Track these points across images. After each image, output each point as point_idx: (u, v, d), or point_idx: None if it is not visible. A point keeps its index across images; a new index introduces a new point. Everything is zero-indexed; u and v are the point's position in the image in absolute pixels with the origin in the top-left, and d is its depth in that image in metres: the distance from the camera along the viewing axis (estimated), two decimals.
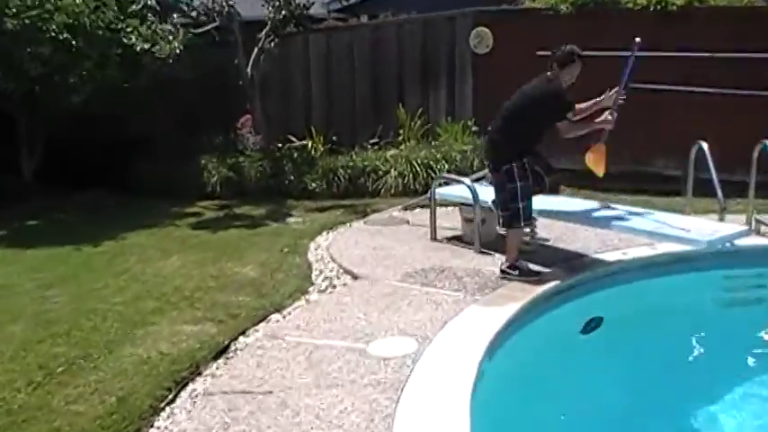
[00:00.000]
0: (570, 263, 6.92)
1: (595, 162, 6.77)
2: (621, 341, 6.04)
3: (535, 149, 6.55)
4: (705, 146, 7.53)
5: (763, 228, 7.68)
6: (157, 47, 9.33)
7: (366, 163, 10.50)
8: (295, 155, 11.20)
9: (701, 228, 6.06)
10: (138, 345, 5.69)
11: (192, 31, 10.44)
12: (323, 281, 6.96)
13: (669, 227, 6.16)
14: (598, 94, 6.74)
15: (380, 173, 10.29)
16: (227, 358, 5.50)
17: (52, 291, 7.04)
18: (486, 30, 10.77)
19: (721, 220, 7.18)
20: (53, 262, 8.10)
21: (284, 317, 6.15)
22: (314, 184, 10.55)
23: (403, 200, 9.69)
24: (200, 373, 5.30)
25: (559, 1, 10.37)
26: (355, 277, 6.91)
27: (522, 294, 6.09)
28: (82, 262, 8.14)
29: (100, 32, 9.31)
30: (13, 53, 9.11)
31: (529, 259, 6.91)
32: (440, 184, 7.93)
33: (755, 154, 7.74)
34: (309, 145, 11.60)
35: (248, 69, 11.43)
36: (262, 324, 6.05)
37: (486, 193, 7.60)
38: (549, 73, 6.53)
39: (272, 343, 5.52)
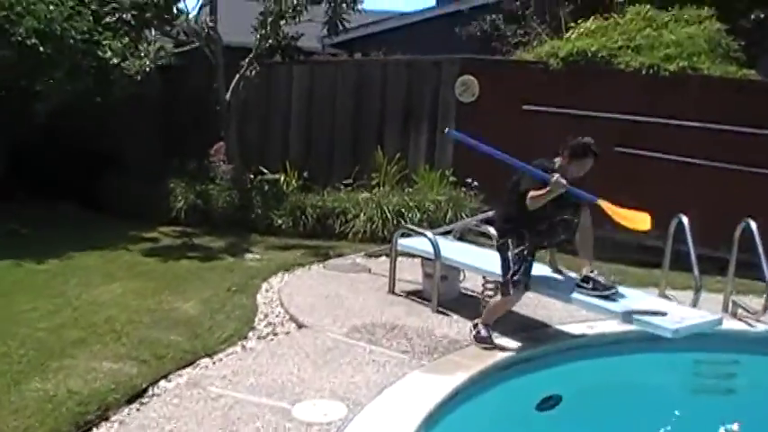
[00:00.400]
0: (532, 332, 6.46)
1: (626, 220, 6.11)
2: (579, 422, 5.57)
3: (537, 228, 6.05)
4: (685, 219, 7.13)
5: (740, 311, 7.24)
6: (127, 62, 8.91)
7: (336, 204, 10.06)
8: (266, 188, 10.75)
9: (670, 312, 5.58)
10: (48, 379, 5.21)
11: (170, 50, 10.05)
12: (265, 326, 6.48)
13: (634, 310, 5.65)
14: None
15: (350, 216, 9.84)
16: (142, 404, 5.02)
17: None
18: (473, 78, 10.40)
19: (696, 300, 6.76)
20: None
21: (214, 363, 5.68)
22: (280, 221, 10.09)
23: (369, 246, 9.24)
24: (107, 418, 4.84)
25: (549, 55, 10.01)
26: (300, 326, 6.43)
27: (474, 363, 5.62)
28: (18, 279, 7.66)
29: (72, 41, 8.88)
30: None
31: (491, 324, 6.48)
32: (402, 235, 7.47)
33: (737, 233, 7.33)
34: (282, 179, 11.16)
35: (227, 96, 11.02)
36: (188, 369, 5.58)
37: (451, 249, 7.18)
38: (556, 159, 6.12)
39: (192, 392, 5.04)
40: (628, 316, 5.52)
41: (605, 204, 5.92)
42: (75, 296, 7.02)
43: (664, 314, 5.44)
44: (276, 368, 5.44)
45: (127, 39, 9.82)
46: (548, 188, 5.70)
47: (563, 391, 5.74)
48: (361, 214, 9.75)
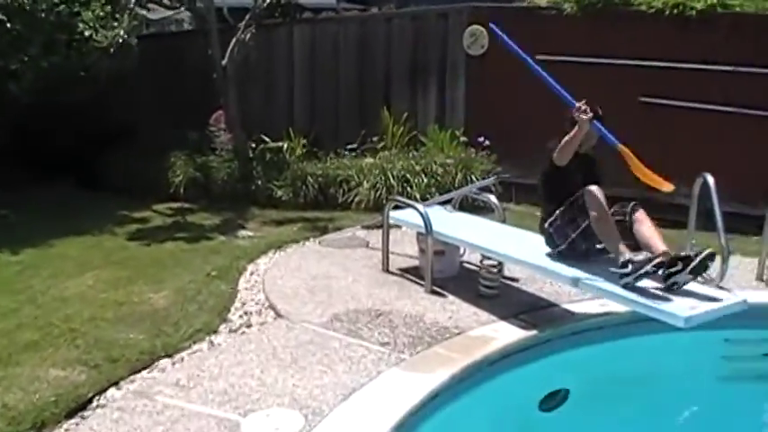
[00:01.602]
0: (536, 313, 5.75)
1: (646, 176, 5.41)
2: (590, 421, 4.88)
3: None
4: (711, 179, 6.29)
5: None
6: (99, 34, 8.26)
7: (339, 171, 9.38)
8: (267, 157, 10.11)
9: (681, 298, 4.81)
10: None
11: (149, 17, 9.40)
12: (240, 317, 5.88)
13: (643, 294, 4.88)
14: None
15: (352, 184, 9.17)
16: (83, 418, 4.47)
17: None
18: (482, 28, 9.57)
19: (723, 272, 5.97)
20: None
21: (173, 364, 5.09)
22: (281, 192, 9.46)
23: (373, 216, 8.57)
24: None
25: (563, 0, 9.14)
26: (278, 315, 5.81)
27: (460, 356, 4.94)
28: None
29: (43, 15, 8.25)
30: None
31: (489, 305, 5.81)
32: (395, 206, 6.78)
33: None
34: (286, 146, 10.51)
35: (223, 62, 10.35)
36: (143, 373, 5.00)
37: (447, 222, 6.48)
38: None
39: (137, 404, 4.46)
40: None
41: (626, 152, 5.30)
42: (42, 291, 6.48)
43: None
44: (237, 369, 4.84)
45: (109, 7, 9.16)
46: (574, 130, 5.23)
47: (570, 385, 5.07)
48: (365, 182, 9.07)
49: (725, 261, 5.98)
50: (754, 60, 8.25)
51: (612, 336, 5.60)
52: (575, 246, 5.40)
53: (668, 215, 8.34)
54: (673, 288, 4.79)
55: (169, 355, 5.19)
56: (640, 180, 5.38)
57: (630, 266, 4.83)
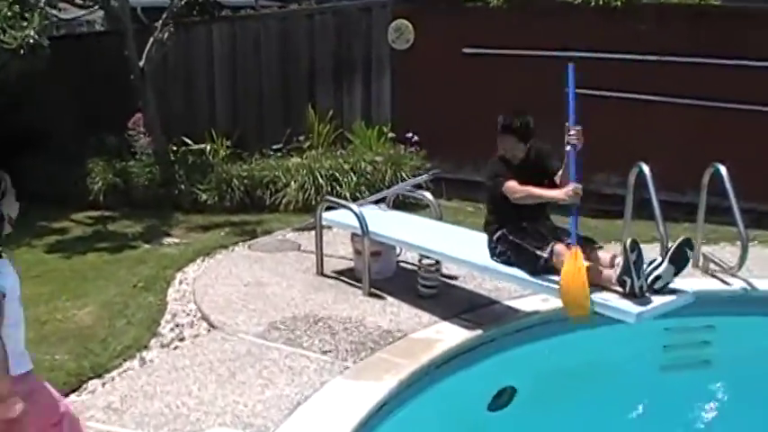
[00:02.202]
0: (478, 312, 5.64)
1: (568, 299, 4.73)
2: (538, 417, 4.78)
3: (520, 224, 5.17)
4: (646, 168, 6.27)
5: (712, 266, 6.48)
6: (8, 35, 7.82)
7: (265, 172, 9.12)
8: (190, 160, 9.78)
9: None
10: None
11: (59, 16, 8.97)
12: (171, 330, 5.60)
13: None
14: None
15: (280, 185, 8.92)
16: None
17: None
18: (407, 23, 9.44)
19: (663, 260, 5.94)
20: None
21: (104, 385, 4.80)
22: (205, 196, 9.15)
23: (302, 217, 8.36)
24: None
25: None
26: (211, 326, 5.56)
27: (406, 361, 4.79)
28: None
29: None
30: None
31: (429, 305, 5.67)
32: (328, 207, 6.59)
33: (706, 179, 6.52)
34: (209, 148, 10.19)
35: (140, 63, 9.95)
36: (72, 396, 4.68)
37: (383, 221, 6.32)
38: None
39: None
40: None
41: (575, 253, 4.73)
42: None
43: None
44: (173, 388, 4.58)
45: (18, 7, 8.68)
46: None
47: (518, 383, 4.97)
48: (292, 182, 8.83)
49: (667, 251, 5.92)
50: (680, 49, 8.30)
51: (557, 331, 5.51)
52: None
53: (599, 205, 8.42)
54: (655, 286, 4.58)
55: (98, 376, 4.90)
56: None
57: (627, 280, 4.48)
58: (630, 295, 4.43)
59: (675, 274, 4.62)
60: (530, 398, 4.92)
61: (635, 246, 4.44)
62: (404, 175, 8.80)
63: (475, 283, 6.17)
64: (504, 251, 5.11)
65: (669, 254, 4.62)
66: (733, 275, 6.20)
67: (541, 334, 5.51)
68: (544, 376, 5.13)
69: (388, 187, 8.63)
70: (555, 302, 5.41)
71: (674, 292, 4.60)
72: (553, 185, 5.00)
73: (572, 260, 4.57)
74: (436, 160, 9.28)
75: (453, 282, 6.26)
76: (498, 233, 5.15)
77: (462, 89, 9.25)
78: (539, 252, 4.85)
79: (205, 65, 10.78)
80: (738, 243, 7.49)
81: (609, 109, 8.56)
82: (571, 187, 4.72)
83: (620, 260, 4.53)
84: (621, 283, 4.46)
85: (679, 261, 4.63)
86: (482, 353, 5.14)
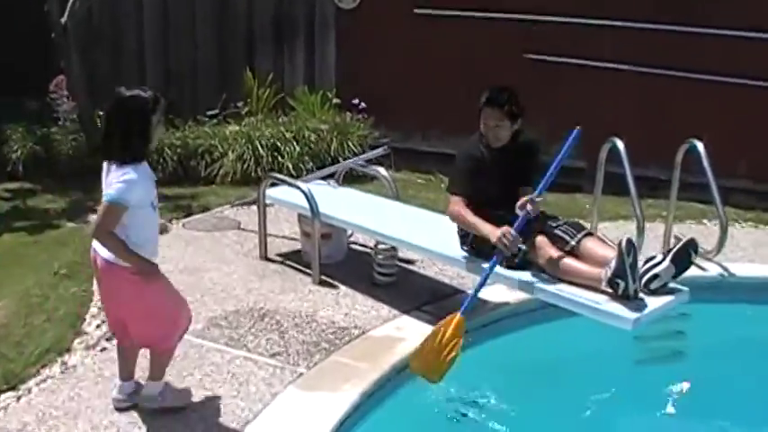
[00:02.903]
0: (442, 303, 5.14)
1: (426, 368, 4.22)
2: (511, 415, 4.38)
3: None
4: (621, 145, 5.82)
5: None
6: None
7: (200, 141, 8.43)
8: None
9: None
10: None
11: None
12: (97, 328, 4.95)
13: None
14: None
15: (216, 155, 8.25)
16: None
17: None
18: None
19: (640, 244, 5.51)
20: None
21: (19, 399, 4.16)
22: None
23: (241, 190, 7.74)
24: None
25: None
26: None
27: (367, 365, 4.28)
28: None
29: None
30: None
31: (387, 295, 5.16)
32: (272, 183, 5.99)
33: (680, 156, 6.10)
34: None
35: (62, 19, 9.08)
36: None
37: (333, 201, 5.75)
38: None
39: None
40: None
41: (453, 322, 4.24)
42: None
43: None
44: (101, 402, 4.00)
45: None
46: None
47: (489, 379, 4.52)
48: (230, 152, 8.16)
49: (642, 233, 5.51)
50: (646, 15, 7.83)
51: (527, 322, 5.11)
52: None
53: (560, 179, 7.95)
54: (651, 286, 4.10)
55: (13, 388, 4.25)
56: None
57: (620, 282, 3.96)
58: (623, 297, 3.94)
59: (675, 277, 4.13)
60: (500, 395, 4.49)
61: (630, 246, 3.93)
62: (350, 144, 8.23)
63: (435, 270, 5.68)
64: (476, 242, 4.58)
65: (672, 253, 4.11)
66: (708, 260, 5.82)
67: (511, 327, 5.07)
68: (513, 372, 4.69)
69: (333, 158, 8.09)
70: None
71: (670, 291, 4.13)
72: (516, 192, 4.44)
73: (449, 331, 4.09)
74: (384, 128, 8.73)
75: (411, 267, 5.76)
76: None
77: (413, 52, 8.67)
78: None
79: (134, 23, 9.93)
80: (706, 222, 7.23)
81: (567, 77, 8.09)
82: (501, 232, 4.22)
83: (612, 260, 3.99)
84: (613, 285, 3.97)
85: (681, 262, 4.13)
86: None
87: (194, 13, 9.66)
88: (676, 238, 6.14)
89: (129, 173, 3.46)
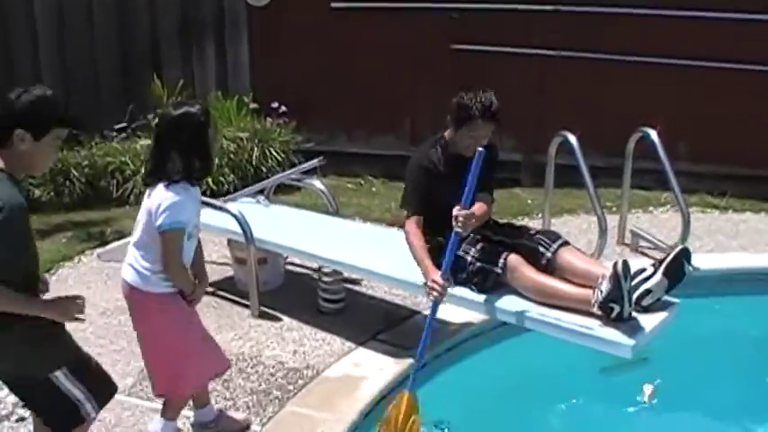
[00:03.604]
0: (398, 330, 4.70)
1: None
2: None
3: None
4: (573, 139, 5.48)
5: (642, 243, 5.80)
6: None
7: (109, 159, 7.75)
8: None
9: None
10: None
11: None
12: (7, 395, 4.30)
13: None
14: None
15: (128, 173, 7.59)
16: None
17: None
18: None
19: (601, 246, 5.17)
20: None
21: None
22: (38, 192, 7.64)
23: None
24: None
25: None
26: None
27: (329, 414, 3.78)
28: None
29: None
30: None
31: (336, 325, 4.66)
32: None
33: (631, 144, 5.80)
34: None
35: None
36: None
37: (266, 222, 5.21)
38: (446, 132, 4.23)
39: None
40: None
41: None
42: None
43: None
44: None
45: None
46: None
47: (454, 408, 4.10)
48: (142, 169, 7.48)
49: (604, 233, 5.15)
50: None
51: (490, 342, 4.72)
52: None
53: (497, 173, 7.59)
54: (643, 303, 3.68)
55: None
56: None
57: (615, 307, 3.56)
58: (616, 320, 3.54)
59: (668, 291, 3.73)
60: (470, 420, 4.11)
61: (627, 270, 3.49)
62: (273, 152, 7.68)
63: (384, 289, 5.19)
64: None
65: (664, 265, 3.68)
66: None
67: (475, 348, 4.68)
68: (482, 394, 4.32)
69: (256, 168, 7.56)
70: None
71: (662, 305, 3.74)
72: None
73: (401, 415, 3.60)
74: (305, 132, 8.21)
75: (358, 288, 5.26)
76: (433, 243, 4.13)
77: (333, 49, 8.16)
78: (487, 266, 3.89)
79: (25, 30, 9.06)
80: (653, 209, 6.99)
81: (496, 66, 7.69)
82: (430, 280, 3.86)
83: (604, 282, 3.56)
84: (606, 309, 3.56)
85: (674, 275, 3.71)
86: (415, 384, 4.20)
87: (92, 19, 8.87)
88: (633, 232, 5.88)
89: (178, 193, 3.22)
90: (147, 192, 3.35)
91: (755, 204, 6.98)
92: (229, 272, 5.54)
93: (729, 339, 5.10)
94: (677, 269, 3.70)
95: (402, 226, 4.26)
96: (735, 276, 5.51)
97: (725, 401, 4.46)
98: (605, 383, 4.65)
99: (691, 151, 7.39)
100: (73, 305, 2.96)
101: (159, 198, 3.21)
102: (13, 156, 2.82)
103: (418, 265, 4.05)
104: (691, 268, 3.75)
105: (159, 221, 3.19)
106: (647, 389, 4.59)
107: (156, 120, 3.31)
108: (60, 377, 2.93)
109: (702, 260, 5.61)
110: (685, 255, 3.74)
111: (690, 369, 4.67)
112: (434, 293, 3.82)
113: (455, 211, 3.76)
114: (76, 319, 2.96)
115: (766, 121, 7.30)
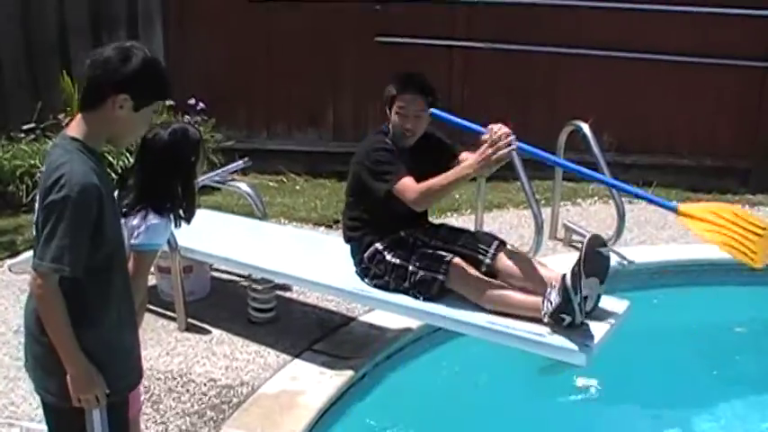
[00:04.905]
0: (335, 338, 4.53)
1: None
2: None
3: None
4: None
5: (576, 238, 5.75)
6: None
7: (17, 162, 7.31)
8: None
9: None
10: None
11: None
12: None
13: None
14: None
15: (38, 177, 7.17)
16: None
17: None
18: None
19: (538, 243, 5.07)
20: None
21: None
22: None
23: None
24: None
25: None
26: None
27: None
28: None
29: None
30: None
31: (269, 336, 4.46)
32: None
33: (562, 138, 5.74)
34: None
35: None
36: None
37: (190, 228, 4.93)
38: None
39: None
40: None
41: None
42: None
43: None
44: None
45: None
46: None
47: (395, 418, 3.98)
48: None
49: (540, 230, 5.06)
50: None
51: (431, 345, 4.60)
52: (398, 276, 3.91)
53: None
54: (586, 309, 3.43)
55: None
56: None
57: (566, 317, 3.40)
58: (568, 328, 3.41)
59: (602, 283, 3.45)
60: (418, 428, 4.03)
61: (577, 282, 3.32)
62: None
63: (316, 295, 5.00)
64: (382, 274, 3.91)
65: (582, 264, 3.37)
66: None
67: (416, 353, 4.56)
68: (428, 400, 4.23)
69: None
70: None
71: (615, 308, 3.63)
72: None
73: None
74: (224, 128, 7.92)
75: (288, 294, 5.06)
76: (371, 249, 3.93)
77: (251, 44, 7.92)
78: (429, 274, 3.73)
79: None
80: (581, 201, 6.98)
81: (424, 57, 7.56)
82: (487, 142, 3.46)
83: (553, 292, 3.42)
84: (557, 320, 3.42)
85: (598, 269, 3.43)
86: (355, 397, 4.05)
87: None
88: (566, 227, 5.83)
89: (162, 216, 3.01)
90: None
91: (681, 194, 7.04)
92: (151, 281, 5.25)
93: (664, 333, 5.10)
94: (597, 262, 3.41)
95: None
96: (667, 268, 5.52)
97: (663, 395, 4.44)
98: (545, 382, 4.60)
99: (614, 143, 7.43)
100: (98, 388, 2.43)
101: (140, 216, 3.01)
102: (101, 121, 2.42)
103: (455, 183, 3.64)
104: (609, 253, 3.54)
105: (138, 240, 2.97)
106: (582, 383, 4.56)
107: (144, 142, 2.96)
108: (95, 413, 2.47)
109: (639, 253, 5.65)
110: (596, 241, 3.46)
111: (627, 364, 4.62)
112: (507, 139, 3.45)
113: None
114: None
115: (690, 112, 7.37)
